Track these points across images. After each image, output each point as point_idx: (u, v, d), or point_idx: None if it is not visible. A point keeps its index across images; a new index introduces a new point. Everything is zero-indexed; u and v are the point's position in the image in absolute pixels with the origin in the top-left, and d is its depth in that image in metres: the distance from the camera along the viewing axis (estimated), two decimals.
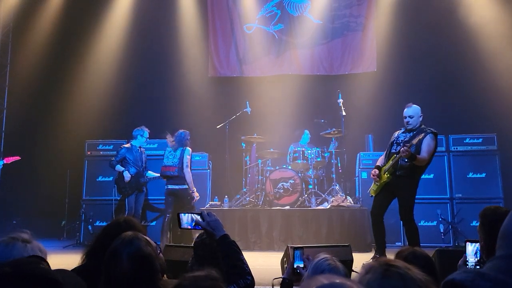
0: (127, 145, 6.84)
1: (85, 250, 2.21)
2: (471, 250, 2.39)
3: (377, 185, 5.04)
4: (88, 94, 8.79)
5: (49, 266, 1.66)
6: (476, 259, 2.36)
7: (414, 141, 4.73)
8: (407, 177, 4.83)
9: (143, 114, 8.61)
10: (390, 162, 4.90)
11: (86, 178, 7.86)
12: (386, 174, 4.91)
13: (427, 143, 4.81)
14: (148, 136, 6.89)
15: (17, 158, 6.80)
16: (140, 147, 6.88)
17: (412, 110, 4.98)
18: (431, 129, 4.93)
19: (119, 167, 6.72)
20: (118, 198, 6.86)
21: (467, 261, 2.39)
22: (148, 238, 1.75)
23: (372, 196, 5.17)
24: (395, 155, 4.88)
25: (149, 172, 6.96)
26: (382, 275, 1.11)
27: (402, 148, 4.63)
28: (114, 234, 2.06)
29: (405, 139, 4.93)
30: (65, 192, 8.26)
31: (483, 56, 7.88)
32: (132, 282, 1.60)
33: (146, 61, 9.00)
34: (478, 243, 2.38)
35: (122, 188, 6.70)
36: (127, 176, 6.65)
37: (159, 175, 6.92)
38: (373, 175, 5.04)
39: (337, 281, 0.88)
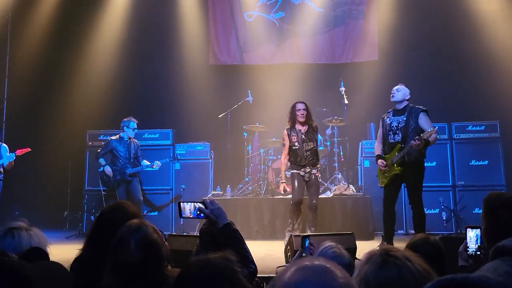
0: (115, 137, 6.85)
1: (85, 240, 2.20)
2: (472, 236, 2.39)
3: (386, 176, 4.98)
4: (89, 84, 8.74)
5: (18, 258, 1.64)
6: (477, 245, 2.36)
7: (413, 126, 4.83)
8: (416, 161, 4.84)
9: (144, 104, 8.60)
10: (396, 153, 4.85)
11: (87, 169, 7.87)
12: (396, 166, 4.86)
13: (424, 121, 4.85)
14: (135, 126, 6.81)
15: (28, 150, 6.82)
16: (130, 138, 6.84)
17: (401, 87, 5.05)
18: (420, 107, 4.94)
19: (101, 161, 6.78)
20: (103, 189, 6.90)
21: (468, 247, 2.38)
22: (154, 226, 1.75)
23: (381, 187, 5.13)
24: (399, 145, 4.85)
25: (144, 161, 6.93)
26: (380, 265, 1.11)
27: (416, 143, 4.57)
28: (108, 220, 2.05)
29: (401, 125, 4.90)
30: (67, 182, 8.26)
31: (486, 43, 7.82)
32: (140, 268, 1.60)
33: (146, 50, 8.94)
34: (478, 229, 2.38)
35: (106, 182, 6.76)
36: (107, 170, 6.70)
37: (149, 163, 6.89)
38: (383, 167, 4.97)
39: (316, 262, 0.87)
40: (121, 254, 1.62)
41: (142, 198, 6.90)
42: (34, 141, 8.46)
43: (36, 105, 8.73)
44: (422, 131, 4.76)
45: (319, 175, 5.83)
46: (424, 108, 4.93)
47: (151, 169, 6.98)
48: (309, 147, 5.71)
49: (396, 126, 4.95)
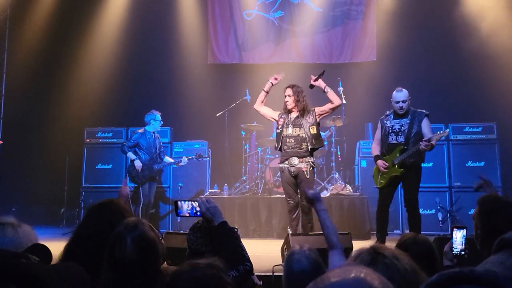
0: (141, 131, 6.74)
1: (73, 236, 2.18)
2: (458, 236, 2.41)
3: (385, 177, 4.95)
4: (87, 81, 8.74)
5: (45, 257, 1.62)
6: (462, 246, 2.38)
7: (415, 129, 4.82)
8: (415, 163, 4.87)
9: (142, 102, 8.57)
10: (398, 155, 4.84)
11: (85, 166, 7.87)
12: (398, 168, 4.85)
13: (426, 126, 4.86)
14: (160, 118, 6.78)
15: None
16: (154, 133, 6.80)
17: (404, 95, 4.93)
18: (423, 111, 4.94)
19: (131, 155, 6.61)
20: (133, 185, 6.73)
21: (453, 247, 2.41)
22: (150, 224, 1.76)
23: (378, 187, 5.12)
24: (401, 147, 4.84)
25: (166, 157, 6.93)
26: (368, 263, 1.13)
27: (424, 145, 4.60)
28: (97, 216, 2.05)
29: (404, 128, 4.90)
30: (64, 179, 8.26)
31: (484, 45, 7.83)
32: (136, 265, 1.61)
33: (145, 48, 8.94)
34: (464, 229, 2.41)
35: (135, 176, 6.58)
36: (138, 164, 6.53)
37: (173, 160, 6.92)
38: (385, 168, 4.90)
39: (352, 275, 0.85)
40: (117, 252, 1.63)
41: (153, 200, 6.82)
42: (31, 137, 8.47)
43: (34, 102, 8.71)
44: (423, 135, 4.79)
45: (308, 170, 4.99)
46: (427, 112, 4.94)
47: (175, 166, 6.95)
48: (293, 133, 5.06)
49: (398, 128, 4.93)
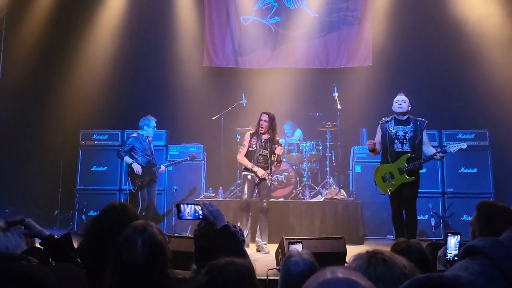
0: (134, 135, 6.74)
1: (84, 232, 2.23)
2: (452, 242, 2.46)
3: (393, 184, 4.99)
4: (83, 83, 8.71)
5: (42, 260, 1.64)
6: (456, 252, 2.43)
7: (419, 138, 4.99)
8: (418, 170, 5.01)
9: (138, 104, 8.57)
10: (406, 164, 4.90)
11: (80, 168, 7.85)
12: (408, 176, 4.91)
13: (426, 135, 5.06)
14: (155, 125, 6.77)
15: None
16: (147, 137, 6.80)
17: (405, 97, 5.12)
18: (423, 120, 5.08)
19: (127, 159, 6.58)
20: (132, 189, 6.61)
21: (447, 252, 2.46)
22: (158, 227, 1.77)
23: (383, 194, 5.17)
24: (408, 155, 4.91)
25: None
26: (368, 262, 1.16)
27: (440, 156, 4.87)
28: (110, 218, 2.08)
29: (408, 135, 4.97)
30: (58, 181, 8.23)
31: (477, 52, 7.93)
32: (145, 268, 1.62)
33: (141, 50, 8.94)
34: (459, 235, 2.46)
35: (135, 179, 6.54)
36: (137, 168, 6.49)
37: (170, 163, 6.97)
38: (392, 177, 5.00)
39: (340, 275, 0.88)
40: (127, 254, 1.63)
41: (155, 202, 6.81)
42: (26, 139, 8.44)
43: (30, 103, 8.68)
44: (423, 143, 5.00)
45: (268, 178, 5.97)
46: (427, 122, 5.09)
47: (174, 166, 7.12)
48: (263, 152, 6.01)
49: (402, 135, 4.99)
